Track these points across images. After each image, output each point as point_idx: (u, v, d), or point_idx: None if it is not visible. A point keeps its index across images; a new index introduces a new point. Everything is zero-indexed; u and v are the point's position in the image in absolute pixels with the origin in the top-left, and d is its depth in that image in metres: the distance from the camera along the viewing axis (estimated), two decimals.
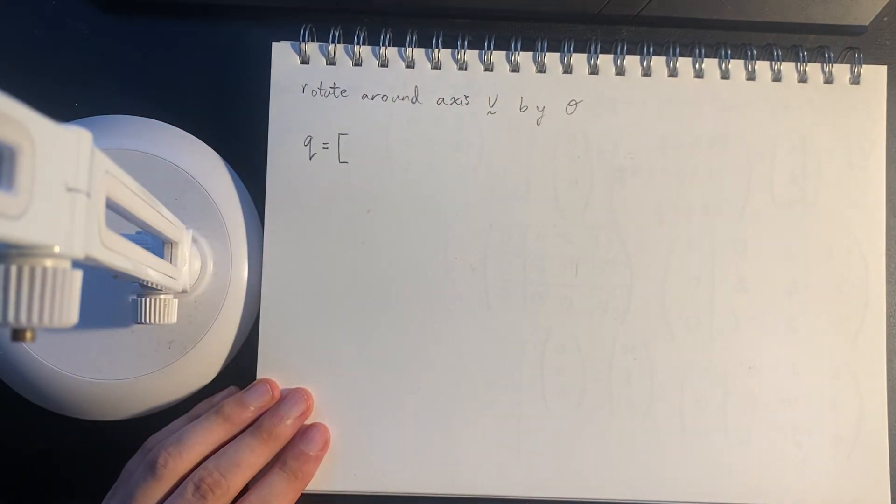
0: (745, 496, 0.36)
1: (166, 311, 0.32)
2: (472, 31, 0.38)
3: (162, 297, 0.31)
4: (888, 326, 0.37)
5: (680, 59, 0.37)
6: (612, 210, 0.37)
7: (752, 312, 0.37)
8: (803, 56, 0.38)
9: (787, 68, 0.37)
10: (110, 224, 0.21)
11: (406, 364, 0.36)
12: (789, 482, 0.36)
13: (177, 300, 0.33)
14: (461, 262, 0.36)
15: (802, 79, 0.38)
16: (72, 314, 0.18)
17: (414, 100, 0.37)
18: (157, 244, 0.31)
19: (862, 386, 0.36)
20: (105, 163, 0.20)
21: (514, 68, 0.37)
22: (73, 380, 0.35)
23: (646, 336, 0.36)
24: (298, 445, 0.34)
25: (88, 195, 0.18)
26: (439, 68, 0.37)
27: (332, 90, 0.37)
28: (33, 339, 0.18)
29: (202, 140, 0.38)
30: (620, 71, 0.37)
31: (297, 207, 0.37)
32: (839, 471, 0.36)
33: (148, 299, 0.31)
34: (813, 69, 0.38)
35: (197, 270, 0.35)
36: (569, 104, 0.37)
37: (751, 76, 0.38)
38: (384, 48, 0.37)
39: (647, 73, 0.37)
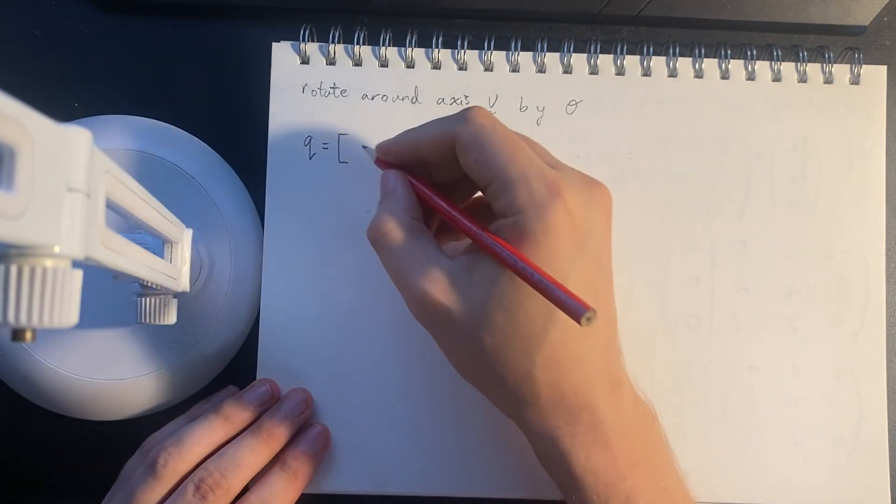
0: (745, 496, 0.36)
1: (166, 311, 0.32)
2: (472, 31, 0.38)
3: (162, 297, 0.31)
4: (888, 326, 0.37)
5: (680, 59, 0.37)
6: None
7: (752, 312, 0.37)
8: (803, 56, 0.38)
9: (787, 68, 0.38)
10: (110, 224, 0.21)
11: (406, 364, 0.36)
12: (789, 482, 0.36)
13: (177, 300, 0.33)
14: None
15: (802, 79, 0.38)
16: (72, 314, 0.18)
17: (414, 100, 0.37)
18: (157, 244, 0.31)
19: (862, 386, 0.36)
20: (105, 163, 0.20)
21: (514, 68, 0.37)
22: (73, 380, 0.35)
23: (646, 336, 0.36)
24: (298, 445, 0.34)
25: (88, 195, 0.18)
26: (439, 68, 0.37)
27: (332, 90, 0.37)
28: (33, 339, 0.18)
29: (202, 140, 0.38)
30: (620, 71, 0.37)
31: (297, 207, 0.37)
32: (839, 471, 0.36)
33: (148, 299, 0.31)
34: (813, 69, 0.38)
35: (197, 270, 0.35)
36: (569, 104, 0.37)
37: (751, 76, 0.38)
38: (384, 48, 0.37)
39: (647, 73, 0.37)
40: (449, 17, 0.39)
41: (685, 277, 0.37)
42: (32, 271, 0.17)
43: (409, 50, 0.37)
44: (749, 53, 0.37)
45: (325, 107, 0.37)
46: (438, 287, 0.28)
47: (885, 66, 0.38)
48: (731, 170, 0.37)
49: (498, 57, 0.37)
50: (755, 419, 0.36)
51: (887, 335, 0.37)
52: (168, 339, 0.36)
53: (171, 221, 0.30)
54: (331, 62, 0.37)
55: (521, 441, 0.36)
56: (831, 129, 0.37)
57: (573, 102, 0.37)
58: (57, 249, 0.17)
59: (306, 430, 0.35)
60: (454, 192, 0.31)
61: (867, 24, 0.39)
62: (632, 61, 0.37)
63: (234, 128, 0.38)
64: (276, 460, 0.34)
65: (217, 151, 0.38)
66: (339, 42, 0.37)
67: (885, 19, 0.40)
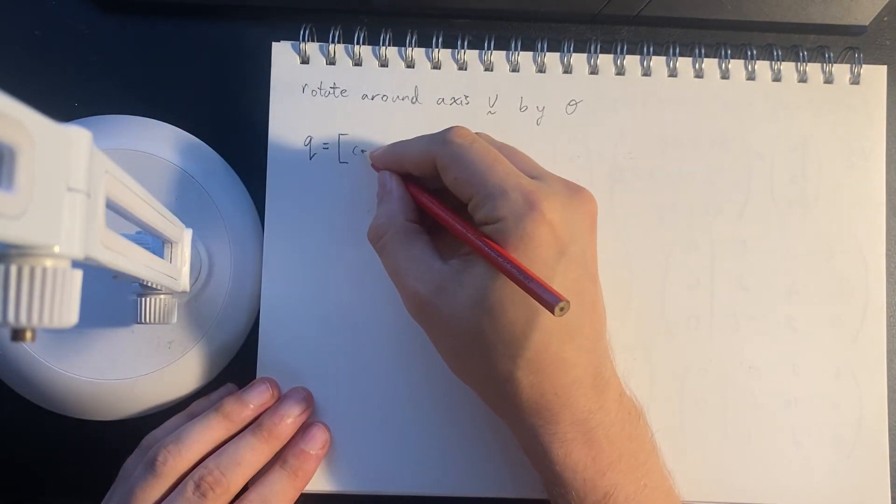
0: (745, 496, 0.36)
1: (166, 311, 0.32)
2: (472, 31, 0.38)
3: (162, 297, 0.31)
4: (888, 326, 0.37)
5: (680, 59, 0.37)
6: (611, 210, 0.37)
7: (752, 312, 0.37)
8: (803, 56, 0.38)
9: (787, 68, 0.38)
10: (110, 224, 0.21)
11: (406, 363, 0.36)
12: (789, 482, 0.36)
13: (177, 300, 0.33)
14: None
15: (802, 79, 0.38)
16: (72, 314, 0.18)
17: (414, 100, 0.37)
18: (157, 244, 0.31)
19: (862, 386, 0.36)
20: (105, 163, 0.20)
21: (514, 68, 0.37)
22: (73, 380, 0.35)
23: (646, 336, 0.36)
24: (299, 444, 0.34)
25: (88, 195, 0.18)
26: (439, 68, 0.37)
27: (332, 90, 0.37)
28: (33, 339, 0.18)
29: (202, 140, 0.38)
30: (620, 71, 0.37)
31: (297, 207, 0.37)
32: (839, 471, 0.36)
33: (148, 299, 0.31)
34: (813, 69, 0.38)
35: (197, 270, 0.35)
36: (569, 104, 0.37)
37: (751, 76, 0.38)
38: (384, 48, 0.37)
39: (646, 73, 0.37)
40: (449, 17, 0.39)
41: (685, 277, 0.37)
42: (32, 271, 0.17)
43: (409, 50, 0.37)
44: (749, 53, 0.37)
45: (325, 107, 0.37)
46: (430, 288, 0.29)
47: (885, 66, 0.38)
48: (731, 170, 0.37)
49: (498, 57, 0.37)
50: (755, 419, 0.36)
51: (887, 335, 0.37)
52: (168, 339, 0.36)
53: (171, 221, 0.30)
54: (331, 62, 0.37)
55: None
56: (831, 129, 0.37)
57: (573, 102, 0.37)
58: (57, 249, 0.17)
59: (306, 429, 0.35)
60: (443, 197, 0.32)
61: (867, 24, 0.39)
62: (632, 61, 0.37)
63: (234, 128, 0.38)
64: (277, 459, 0.34)
65: (217, 151, 0.38)
66: (339, 42, 0.37)
67: (885, 19, 0.40)
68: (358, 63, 0.37)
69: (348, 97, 0.37)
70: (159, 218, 0.28)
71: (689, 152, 0.37)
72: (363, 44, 0.37)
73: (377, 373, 0.36)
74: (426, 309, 0.29)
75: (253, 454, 0.32)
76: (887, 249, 0.37)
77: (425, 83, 0.37)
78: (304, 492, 0.34)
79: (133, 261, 0.24)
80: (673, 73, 0.37)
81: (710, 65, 0.38)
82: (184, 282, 0.33)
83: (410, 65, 0.37)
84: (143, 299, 0.31)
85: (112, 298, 0.35)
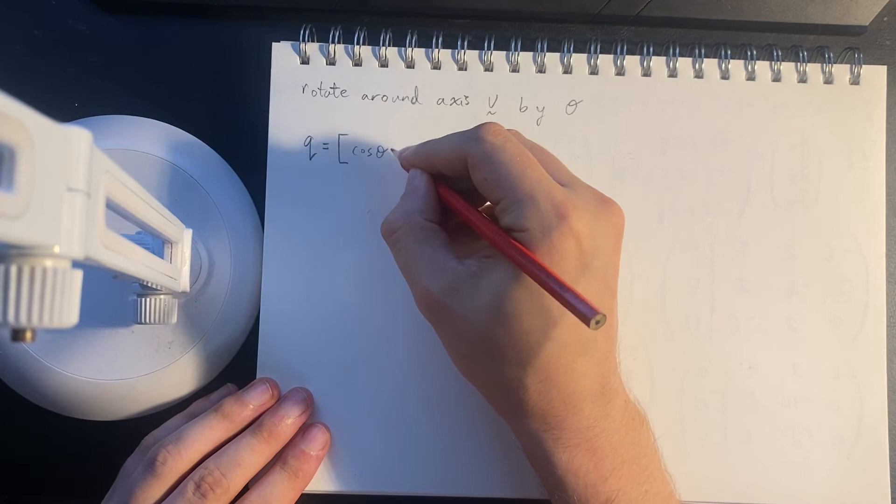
0: (745, 496, 0.36)
1: (166, 311, 0.32)
2: (472, 31, 0.38)
3: (162, 297, 0.31)
4: (888, 326, 0.37)
5: (680, 59, 0.37)
6: None
7: (752, 312, 0.37)
8: (803, 56, 0.38)
9: (787, 68, 0.38)
10: (110, 224, 0.21)
11: (406, 364, 0.36)
12: (789, 482, 0.36)
13: (177, 300, 0.33)
14: None
15: (802, 79, 0.38)
16: (72, 314, 0.18)
17: (414, 100, 0.37)
18: (157, 244, 0.31)
19: (862, 386, 0.36)
20: (105, 163, 0.20)
21: (514, 68, 0.37)
22: (73, 380, 0.35)
23: (646, 336, 0.36)
24: (299, 445, 0.34)
25: (88, 195, 0.18)
26: (439, 68, 0.37)
27: (332, 90, 0.37)
28: (33, 339, 0.18)
29: (202, 140, 0.38)
30: (620, 71, 0.37)
31: (297, 207, 0.37)
32: (839, 471, 0.36)
33: (148, 299, 0.31)
34: (813, 69, 0.38)
35: (197, 270, 0.35)
36: (569, 104, 0.37)
37: (751, 76, 0.38)
38: (384, 48, 0.37)
39: (646, 73, 0.37)
40: (449, 17, 0.39)
41: (685, 277, 0.37)
42: (32, 271, 0.17)
43: (409, 50, 0.37)
44: (749, 53, 0.37)
45: (325, 107, 0.37)
46: (443, 288, 0.28)
47: (885, 66, 0.38)
48: (731, 170, 0.37)
49: (498, 57, 0.37)
50: (755, 419, 0.36)
51: (887, 335, 0.37)
52: (168, 339, 0.36)
53: (171, 221, 0.30)
54: (331, 62, 0.37)
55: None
56: (831, 129, 0.37)
57: (573, 102, 0.37)
58: (57, 249, 0.17)
59: (306, 429, 0.35)
60: (472, 199, 0.32)
61: (867, 24, 0.39)
62: (632, 61, 0.37)
63: (234, 128, 0.38)
64: (277, 460, 0.34)
65: (217, 151, 0.38)
66: (339, 42, 0.37)
67: (885, 19, 0.40)
68: (358, 63, 0.37)
69: (348, 97, 0.37)
70: (159, 218, 0.28)
71: (689, 152, 0.37)
72: (363, 44, 0.37)
73: (377, 373, 0.36)
74: (438, 309, 0.29)
75: (253, 455, 0.32)
76: (887, 249, 0.37)
77: (425, 83, 0.37)
78: (304, 492, 0.34)
79: (133, 261, 0.24)
80: (673, 73, 0.37)
81: (710, 65, 0.38)
82: (184, 282, 0.33)
83: (410, 65, 0.37)
84: (143, 299, 0.31)
85: (112, 298, 0.35)
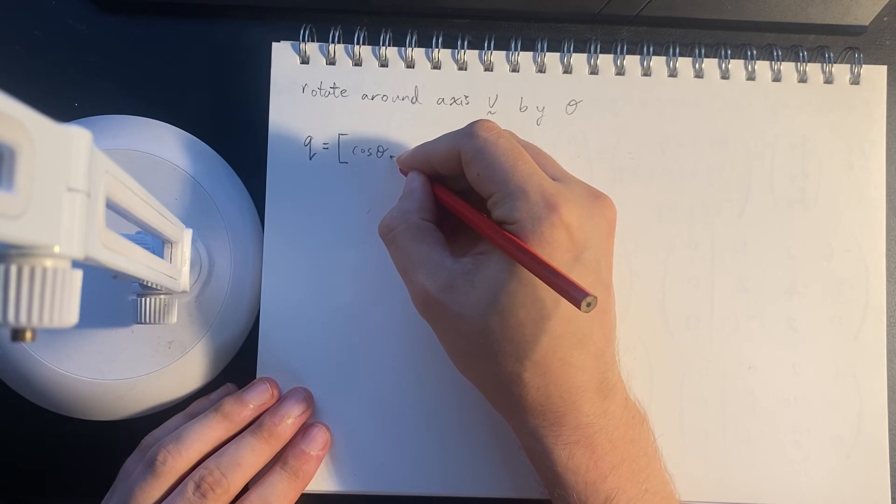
0: (745, 496, 0.36)
1: (166, 311, 0.32)
2: (472, 31, 0.38)
3: (162, 297, 0.31)
4: (888, 326, 0.37)
5: (680, 59, 0.37)
6: None
7: (752, 312, 0.37)
8: (803, 56, 0.38)
9: (787, 68, 0.38)
10: (110, 224, 0.21)
11: (406, 363, 0.36)
12: (789, 482, 0.36)
13: (177, 300, 0.33)
14: None
15: (802, 79, 0.38)
16: (72, 314, 0.18)
17: (414, 100, 0.37)
18: (157, 244, 0.31)
19: (862, 386, 0.36)
20: (105, 163, 0.20)
21: (514, 68, 0.37)
22: (73, 380, 0.35)
23: (646, 336, 0.36)
24: (299, 445, 0.34)
25: (88, 195, 0.18)
26: (439, 68, 0.37)
27: (332, 90, 0.37)
28: (33, 339, 0.18)
29: (202, 140, 0.38)
30: (620, 71, 0.37)
31: (297, 207, 0.37)
32: (839, 471, 0.36)
33: (148, 299, 0.31)
34: (813, 69, 0.38)
35: (197, 270, 0.35)
36: (569, 104, 0.37)
37: (751, 76, 0.38)
38: (384, 48, 0.37)
39: (647, 73, 0.37)
40: (449, 17, 0.39)
41: (685, 277, 0.37)
42: (32, 271, 0.17)
43: (409, 50, 0.37)
44: (749, 53, 0.37)
45: (325, 107, 0.37)
46: (440, 285, 0.29)
47: (885, 66, 0.38)
48: (731, 170, 0.37)
49: (498, 57, 0.37)
50: (755, 419, 0.36)
51: (887, 335, 0.37)
52: (168, 339, 0.36)
53: (171, 221, 0.30)
54: (331, 62, 0.37)
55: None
56: (831, 129, 0.37)
57: (573, 102, 0.37)
58: (57, 249, 0.17)
59: (307, 429, 0.35)
60: (468, 199, 0.32)
61: (867, 24, 0.39)
62: (632, 61, 0.37)
63: (234, 128, 0.38)
64: (277, 460, 0.34)
65: (217, 151, 0.38)
66: (339, 42, 0.37)
67: (885, 19, 0.40)
68: (358, 63, 0.37)
69: (348, 97, 0.37)
70: (159, 218, 0.28)
71: (689, 152, 0.37)
72: (363, 44, 0.37)
73: (377, 373, 0.36)
74: (434, 306, 0.29)
75: (253, 454, 0.32)
76: (887, 249, 0.37)
77: (425, 83, 0.37)
78: (304, 492, 0.34)
79: (133, 261, 0.24)
80: (673, 73, 0.37)
81: (710, 65, 0.38)
82: (184, 282, 0.33)
83: (410, 65, 0.37)
84: (143, 299, 0.31)
85: (112, 298, 0.35)
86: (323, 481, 0.35)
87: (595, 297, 0.24)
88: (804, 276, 0.37)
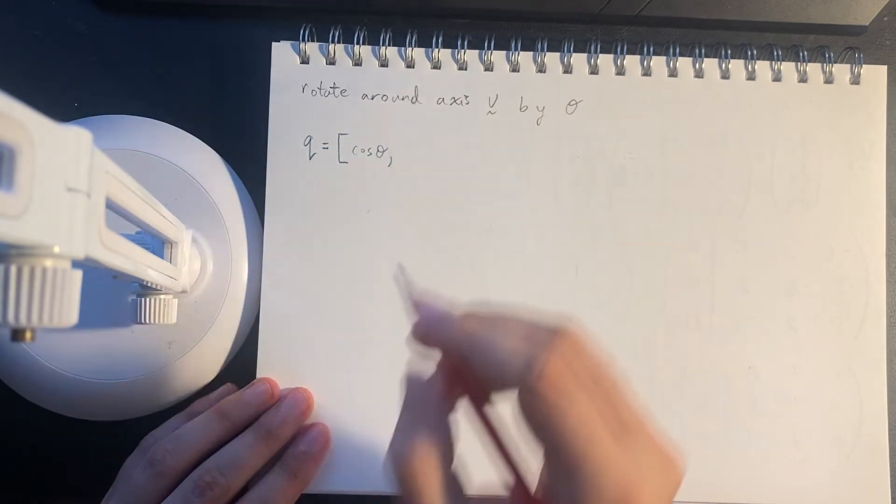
0: (745, 496, 0.36)
1: (166, 311, 0.32)
2: (472, 31, 0.38)
3: (162, 297, 0.31)
4: (888, 326, 0.37)
5: (680, 59, 0.37)
6: (611, 210, 0.37)
7: (752, 312, 0.37)
8: (803, 56, 0.38)
9: (787, 68, 0.38)
10: (110, 224, 0.21)
11: (406, 363, 0.36)
12: (789, 482, 0.36)
13: (177, 300, 0.33)
14: (460, 262, 0.36)
15: (802, 79, 0.38)
16: (72, 314, 0.18)
17: (414, 100, 0.37)
18: (157, 244, 0.31)
19: (862, 386, 0.36)
20: (105, 163, 0.20)
21: (514, 68, 0.37)
22: (73, 380, 0.35)
23: (646, 336, 0.36)
24: (299, 445, 0.34)
25: (88, 195, 0.18)
26: (439, 68, 0.37)
27: (332, 90, 0.37)
28: (33, 339, 0.18)
29: (202, 140, 0.38)
30: (620, 71, 0.37)
31: (297, 207, 0.37)
32: (839, 471, 0.36)
33: (148, 299, 0.31)
34: (813, 69, 0.38)
35: (197, 270, 0.35)
36: (569, 104, 0.37)
37: (751, 76, 0.38)
38: (384, 48, 0.37)
39: (647, 73, 0.37)
40: (449, 17, 0.39)
41: (685, 277, 0.37)
42: (32, 271, 0.17)
43: (409, 50, 0.37)
44: (749, 53, 0.37)
45: (325, 107, 0.37)
46: None
47: (885, 66, 0.38)
48: (731, 170, 0.37)
49: (498, 57, 0.37)
50: (755, 419, 0.36)
51: (887, 335, 0.37)
52: (168, 339, 0.36)
53: (171, 221, 0.30)
54: (331, 62, 0.37)
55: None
56: (831, 129, 0.37)
57: (573, 102, 0.37)
58: (57, 249, 0.17)
59: (306, 429, 0.35)
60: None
61: (867, 24, 0.39)
62: (632, 61, 0.37)
63: (234, 128, 0.38)
64: (277, 460, 0.34)
65: (217, 151, 0.38)
66: (339, 42, 0.37)
67: (885, 19, 0.40)
68: (358, 63, 0.37)
69: (348, 97, 0.37)
70: (159, 218, 0.28)
71: (689, 152, 0.37)
72: (363, 44, 0.37)
73: (377, 373, 0.36)
74: None
75: (252, 455, 0.32)
76: (887, 249, 0.37)
77: (425, 83, 0.37)
78: (304, 492, 0.34)
79: (133, 261, 0.24)
80: (673, 73, 0.37)
81: (710, 65, 0.38)
82: (184, 282, 0.33)
83: (410, 65, 0.37)
84: (143, 299, 0.31)
85: (112, 298, 0.35)
86: (323, 481, 0.35)
87: None
88: (804, 276, 0.37)
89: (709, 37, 0.39)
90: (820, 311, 0.37)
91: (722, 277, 0.37)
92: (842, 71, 0.38)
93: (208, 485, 0.31)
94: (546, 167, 0.37)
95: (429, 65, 0.37)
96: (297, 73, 0.37)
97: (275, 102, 0.37)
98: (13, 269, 0.16)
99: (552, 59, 0.37)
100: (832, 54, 0.38)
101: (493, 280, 0.36)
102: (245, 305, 0.37)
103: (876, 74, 0.37)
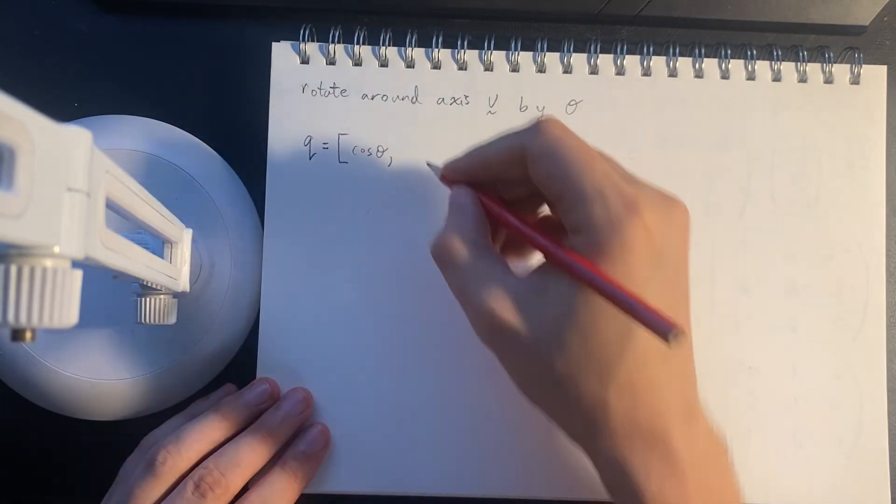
0: (745, 496, 0.36)
1: (166, 311, 0.32)
2: (472, 31, 0.38)
3: (162, 297, 0.31)
4: (888, 326, 0.37)
5: (680, 59, 0.37)
6: None
7: (752, 312, 0.37)
8: (803, 56, 0.38)
9: (787, 68, 0.38)
10: (110, 224, 0.21)
11: (406, 364, 0.36)
12: (789, 482, 0.36)
13: (177, 300, 0.33)
14: None
15: (802, 79, 0.38)
16: (72, 314, 0.18)
17: (414, 100, 0.37)
18: (157, 244, 0.31)
19: (862, 386, 0.36)
20: (105, 163, 0.20)
21: (514, 68, 0.37)
22: (73, 380, 0.35)
23: None
24: (299, 445, 0.34)
25: (88, 195, 0.18)
26: (439, 68, 0.37)
27: (332, 90, 0.37)
28: (33, 339, 0.18)
29: (202, 140, 0.38)
30: (620, 71, 0.37)
31: (297, 207, 0.37)
32: (839, 471, 0.36)
33: (148, 299, 0.31)
34: (813, 69, 0.38)
35: (197, 270, 0.35)
36: (569, 104, 0.37)
37: (751, 76, 0.38)
38: (384, 48, 0.37)
39: (647, 73, 0.37)
40: (449, 17, 0.39)
41: None
42: (32, 271, 0.17)
43: (409, 50, 0.37)
44: (749, 53, 0.37)
45: (325, 107, 0.37)
46: (506, 307, 0.26)
47: (885, 66, 0.38)
48: (731, 170, 0.37)
49: (498, 57, 0.37)
50: (755, 419, 0.36)
51: (887, 335, 0.37)
52: (168, 339, 0.36)
53: (171, 221, 0.30)
54: (331, 62, 0.37)
55: (522, 438, 0.36)
56: (831, 129, 0.37)
57: (573, 102, 0.37)
58: (57, 249, 0.17)
59: (306, 429, 0.35)
60: (520, 210, 0.30)
61: (867, 24, 0.39)
62: (632, 61, 0.37)
63: (234, 128, 0.38)
64: (276, 460, 0.34)
65: (217, 151, 0.38)
66: (339, 42, 0.37)
67: (885, 19, 0.40)
68: (358, 63, 0.37)
69: (348, 97, 0.37)
70: (159, 218, 0.28)
71: (689, 152, 0.37)
72: (363, 44, 0.37)
73: (377, 373, 0.36)
74: (502, 331, 0.26)
75: (253, 454, 0.32)
76: (887, 249, 0.37)
77: (425, 83, 0.37)
78: (304, 492, 0.34)
79: (133, 261, 0.24)
80: (673, 73, 0.37)
81: (710, 65, 0.38)
82: (184, 282, 0.33)
83: (410, 65, 0.37)
84: (143, 299, 0.31)
85: (112, 298, 0.35)
86: (323, 481, 0.35)
87: (682, 331, 0.22)
88: (804, 276, 0.37)
89: (709, 37, 0.39)
90: (820, 311, 0.37)
91: (722, 277, 0.37)
92: (842, 71, 0.38)
93: (208, 485, 0.31)
94: None
95: (429, 65, 0.37)
96: (297, 73, 0.37)
97: (275, 102, 0.37)
98: (13, 269, 0.16)
99: (552, 59, 0.37)
100: (832, 54, 0.38)
101: None
102: (245, 305, 0.37)
103: (876, 74, 0.37)
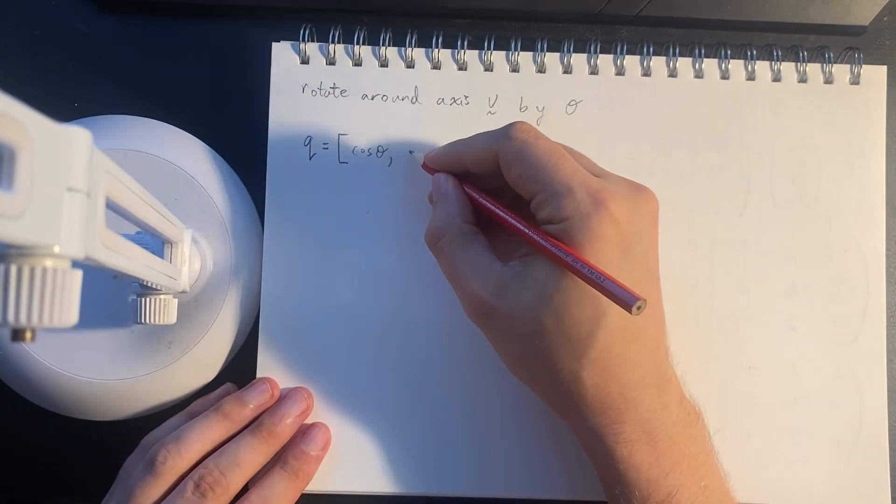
0: (745, 496, 0.36)
1: (166, 311, 0.32)
2: (472, 31, 0.38)
3: (162, 297, 0.31)
4: (888, 326, 0.37)
5: (680, 59, 0.37)
6: None
7: (752, 312, 0.37)
8: (803, 56, 0.38)
9: (787, 68, 0.37)
10: (110, 224, 0.21)
11: (406, 364, 0.36)
12: (789, 482, 0.36)
13: (177, 300, 0.33)
14: None
15: (802, 79, 0.38)
16: (72, 314, 0.18)
17: (414, 100, 0.37)
18: (157, 244, 0.31)
19: (862, 386, 0.36)
20: (105, 163, 0.20)
21: (514, 68, 0.37)
22: (73, 380, 0.35)
23: None
24: (299, 445, 0.34)
25: (88, 195, 0.18)
26: (439, 68, 0.37)
27: (332, 90, 0.37)
28: (33, 339, 0.18)
29: (202, 140, 0.38)
30: (620, 71, 0.37)
31: (297, 207, 0.37)
32: (839, 471, 0.36)
33: (148, 299, 0.31)
34: (813, 69, 0.38)
35: (197, 270, 0.35)
36: (569, 104, 0.37)
37: (751, 76, 0.38)
38: (384, 48, 0.37)
39: (646, 73, 0.37)
40: (449, 17, 0.39)
41: (685, 277, 0.37)
42: (32, 271, 0.17)
43: (409, 50, 0.37)
44: (749, 53, 0.37)
45: (325, 107, 0.37)
46: (491, 291, 0.29)
47: (885, 66, 0.38)
48: (731, 170, 0.37)
49: (498, 57, 0.37)
50: (755, 419, 0.36)
51: (887, 335, 0.37)
52: (168, 339, 0.36)
53: (171, 221, 0.30)
54: (331, 62, 0.37)
55: (521, 439, 0.36)
56: (831, 129, 0.37)
57: (573, 102, 0.37)
58: (57, 249, 0.17)
59: (306, 429, 0.35)
60: (499, 196, 0.32)
61: (867, 24, 0.39)
62: (632, 61, 0.37)
63: (234, 128, 0.38)
64: (277, 459, 0.34)
65: (217, 151, 0.38)
66: (339, 42, 0.37)
67: (885, 19, 0.40)
68: (358, 63, 0.37)
69: (348, 97, 0.37)
70: (159, 218, 0.28)
71: (689, 152, 0.37)
72: (363, 44, 0.37)
73: (377, 373, 0.36)
74: (487, 311, 0.29)
75: (253, 454, 0.32)
76: (887, 249, 0.37)
77: (425, 83, 0.37)
78: (304, 492, 0.34)
79: (133, 261, 0.24)
80: (673, 73, 0.37)
81: (710, 65, 0.38)
82: (184, 282, 0.33)
83: (410, 65, 0.37)
84: (143, 299, 0.31)
85: (112, 298, 0.35)
86: (323, 481, 0.35)
87: (645, 301, 0.24)
88: (804, 276, 0.37)
89: (709, 37, 0.39)
90: (820, 311, 0.37)
91: (722, 277, 0.37)
92: (841, 71, 0.38)
93: (209, 484, 0.31)
94: None
95: (429, 65, 0.37)
96: (297, 73, 0.37)
97: (275, 103, 0.37)
98: (13, 269, 0.16)
99: (552, 59, 0.37)
100: (832, 54, 0.38)
101: None
102: (245, 305, 0.37)
103: (876, 74, 0.37)
